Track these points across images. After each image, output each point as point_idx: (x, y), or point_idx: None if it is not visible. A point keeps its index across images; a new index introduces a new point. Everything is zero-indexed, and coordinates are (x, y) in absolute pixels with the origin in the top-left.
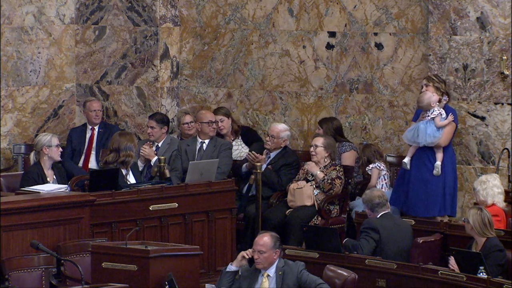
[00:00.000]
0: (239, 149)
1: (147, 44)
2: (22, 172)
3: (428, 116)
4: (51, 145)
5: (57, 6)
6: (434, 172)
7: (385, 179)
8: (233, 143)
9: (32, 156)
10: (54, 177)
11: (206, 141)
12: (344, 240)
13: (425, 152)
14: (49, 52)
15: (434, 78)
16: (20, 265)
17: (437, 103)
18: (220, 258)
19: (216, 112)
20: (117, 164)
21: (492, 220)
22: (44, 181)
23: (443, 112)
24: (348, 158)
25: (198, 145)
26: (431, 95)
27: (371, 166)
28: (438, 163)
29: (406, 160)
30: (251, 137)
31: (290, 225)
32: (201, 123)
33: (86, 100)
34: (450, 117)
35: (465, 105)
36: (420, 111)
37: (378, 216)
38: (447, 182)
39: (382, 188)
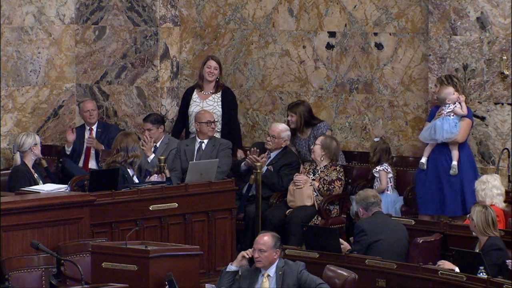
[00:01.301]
0: (213, 105)
1: (147, 44)
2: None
3: (444, 112)
4: (37, 143)
5: (57, 6)
6: (451, 172)
7: (390, 182)
8: (210, 97)
9: (17, 156)
10: (36, 175)
11: (205, 141)
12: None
13: (442, 152)
14: (49, 52)
15: (444, 79)
16: (20, 265)
17: (452, 102)
18: (220, 258)
19: (213, 58)
20: (126, 164)
21: (496, 219)
22: (33, 179)
23: (458, 104)
24: None
25: (197, 145)
26: (451, 92)
27: (378, 168)
28: (455, 163)
29: (423, 160)
30: (228, 98)
31: (290, 225)
32: (199, 123)
33: (80, 101)
34: (464, 106)
35: None
36: (435, 111)
37: (371, 215)
38: (465, 180)
39: (388, 190)
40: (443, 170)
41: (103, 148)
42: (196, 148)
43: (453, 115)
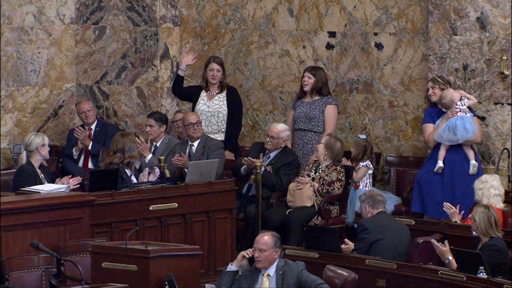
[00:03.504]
0: (219, 105)
1: (147, 44)
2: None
3: (459, 110)
4: (45, 144)
5: (57, 6)
6: (471, 171)
7: (369, 178)
8: (216, 97)
9: (24, 155)
10: (42, 175)
11: (196, 143)
12: (351, 250)
13: (458, 153)
14: (49, 52)
15: (440, 80)
16: (20, 265)
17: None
18: (220, 258)
19: (214, 60)
20: (123, 165)
21: (498, 220)
22: (39, 179)
23: (465, 99)
24: (333, 111)
25: (188, 148)
26: (453, 92)
27: (360, 164)
28: (475, 162)
29: (441, 163)
30: (233, 98)
31: (290, 225)
32: (184, 125)
33: (77, 102)
34: (471, 96)
35: None
36: (432, 112)
37: (375, 213)
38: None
39: (366, 186)
40: (460, 171)
41: (89, 144)
42: (187, 151)
43: (468, 112)
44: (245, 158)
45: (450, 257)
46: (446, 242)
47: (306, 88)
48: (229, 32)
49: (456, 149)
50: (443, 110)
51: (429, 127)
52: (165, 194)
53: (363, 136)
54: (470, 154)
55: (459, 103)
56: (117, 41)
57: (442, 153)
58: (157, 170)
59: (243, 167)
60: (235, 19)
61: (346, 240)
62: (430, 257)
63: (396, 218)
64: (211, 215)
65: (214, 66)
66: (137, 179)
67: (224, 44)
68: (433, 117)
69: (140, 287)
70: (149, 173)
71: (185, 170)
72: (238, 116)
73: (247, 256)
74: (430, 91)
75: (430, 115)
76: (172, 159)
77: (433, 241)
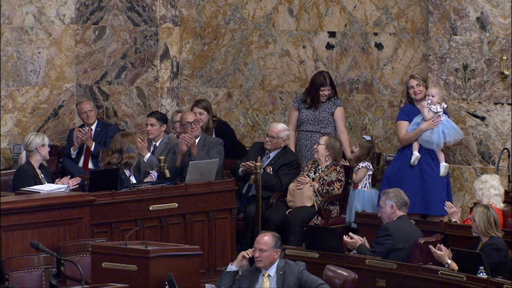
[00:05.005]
0: None
1: (147, 44)
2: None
3: (441, 113)
4: (45, 144)
5: (57, 6)
6: (442, 172)
7: (369, 179)
8: None
9: (23, 155)
10: (42, 175)
11: (195, 141)
12: (357, 246)
13: (428, 152)
14: (49, 52)
15: (419, 77)
16: (20, 265)
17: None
18: (220, 258)
19: (196, 104)
20: (120, 166)
21: (498, 219)
22: (38, 179)
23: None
24: (343, 112)
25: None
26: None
27: (360, 165)
28: (446, 164)
29: (417, 154)
30: (222, 131)
31: (290, 225)
32: (182, 125)
33: (77, 102)
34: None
35: (465, 105)
36: (410, 109)
37: (396, 218)
38: (448, 181)
39: (365, 187)
40: (428, 170)
41: (92, 145)
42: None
43: (443, 114)
44: (243, 164)
45: (449, 261)
46: (441, 246)
47: (325, 100)
48: (229, 32)
49: (429, 148)
50: (427, 106)
51: (403, 124)
52: (165, 194)
53: (368, 137)
54: (441, 156)
55: (440, 106)
56: (117, 41)
57: (416, 145)
58: (154, 173)
59: (241, 169)
60: (235, 19)
61: (351, 234)
62: (430, 257)
63: (413, 223)
64: (211, 215)
65: (196, 110)
66: (136, 179)
67: (224, 44)
68: (409, 116)
69: (140, 287)
70: (146, 173)
71: (191, 155)
72: (233, 143)
73: (247, 256)
74: (416, 89)
75: (406, 113)
76: (181, 135)
77: (431, 246)
